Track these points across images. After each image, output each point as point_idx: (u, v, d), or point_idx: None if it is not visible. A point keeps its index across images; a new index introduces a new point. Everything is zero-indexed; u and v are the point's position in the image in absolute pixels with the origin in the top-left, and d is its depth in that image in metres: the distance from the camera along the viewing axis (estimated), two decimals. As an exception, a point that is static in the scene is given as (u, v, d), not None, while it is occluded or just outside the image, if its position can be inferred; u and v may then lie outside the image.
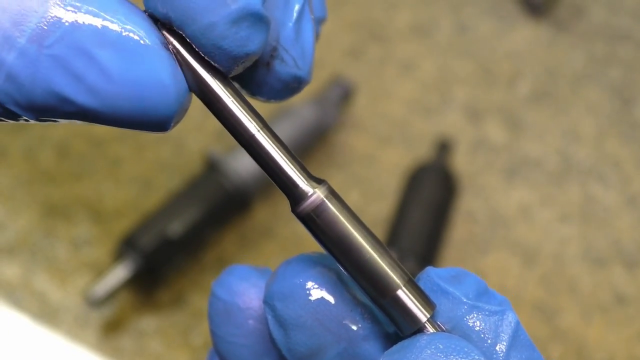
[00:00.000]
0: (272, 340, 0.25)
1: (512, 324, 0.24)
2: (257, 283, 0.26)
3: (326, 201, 0.23)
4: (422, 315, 0.24)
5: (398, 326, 0.24)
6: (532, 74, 0.78)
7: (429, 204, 0.64)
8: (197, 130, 0.70)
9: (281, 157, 0.24)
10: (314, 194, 0.23)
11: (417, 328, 0.24)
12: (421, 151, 0.71)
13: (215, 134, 0.70)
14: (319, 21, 0.28)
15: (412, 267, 0.60)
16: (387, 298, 0.24)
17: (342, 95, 0.71)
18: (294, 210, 0.24)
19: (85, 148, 0.68)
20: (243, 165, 0.64)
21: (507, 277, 0.66)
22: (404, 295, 0.24)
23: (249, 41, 0.23)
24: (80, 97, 0.22)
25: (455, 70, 0.78)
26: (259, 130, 0.24)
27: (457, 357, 0.22)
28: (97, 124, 0.23)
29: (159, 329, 0.60)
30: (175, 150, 0.69)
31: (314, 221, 0.23)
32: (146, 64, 0.22)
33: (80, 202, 0.65)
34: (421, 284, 0.25)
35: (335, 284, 0.25)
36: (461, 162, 0.71)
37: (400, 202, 0.65)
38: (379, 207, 0.68)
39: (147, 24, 0.22)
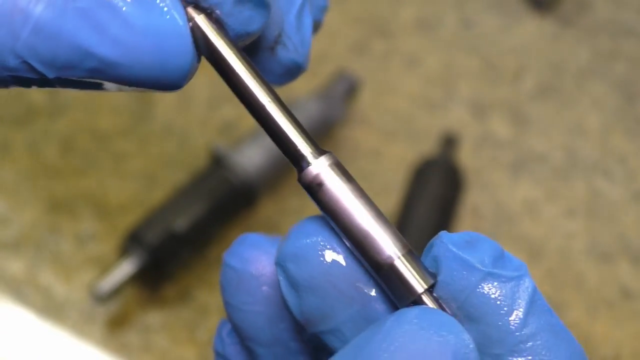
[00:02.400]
0: (284, 302, 0.25)
1: (529, 290, 0.24)
2: (268, 250, 0.26)
3: (330, 170, 0.24)
4: (419, 286, 0.24)
5: (396, 297, 0.24)
6: (537, 69, 0.78)
7: (434, 198, 0.64)
8: (202, 125, 0.70)
9: (290, 127, 0.25)
10: (319, 163, 0.24)
11: (413, 299, 0.24)
12: (426, 146, 0.71)
13: (221, 129, 0.70)
14: (322, 10, 0.29)
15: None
16: (385, 267, 0.24)
17: (347, 90, 0.71)
18: (299, 179, 0.24)
19: (90, 143, 0.68)
20: (249, 159, 0.64)
21: (512, 272, 0.65)
22: (402, 265, 0.24)
23: (251, 21, 0.25)
24: (103, 49, 0.23)
25: (460, 65, 0.78)
26: (270, 102, 0.25)
27: (433, 337, 0.22)
28: (114, 85, 0.24)
29: (165, 324, 0.60)
30: (181, 145, 0.69)
31: (318, 189, 0.24)
32: (165, 15, 0.23)
33: (85, 197, 0.65)
34: (434, 250, 0.24)
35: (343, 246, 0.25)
36: (466, 158, 0.71)
37: (406, 197, 0.65)
38: (385, 202, 0.68)
39: None
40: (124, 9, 0.23)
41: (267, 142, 0.66)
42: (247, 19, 0.25)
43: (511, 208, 0.69)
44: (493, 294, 0.23)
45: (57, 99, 0.71)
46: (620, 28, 0.81)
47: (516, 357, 0.23)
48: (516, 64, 0.78)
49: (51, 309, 0.60)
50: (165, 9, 0.23)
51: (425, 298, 0.24)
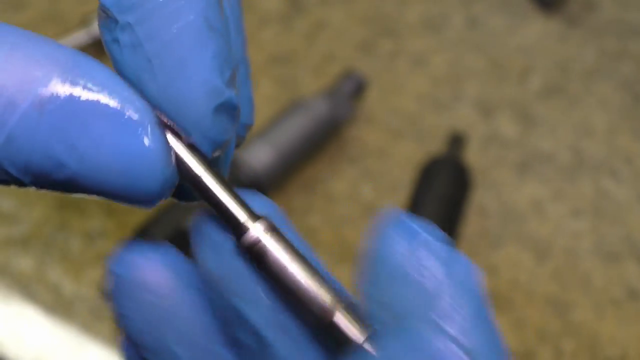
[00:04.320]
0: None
1: (466, 265, 0.25)
2: (152, 257, 0.26)
3: (265, 234, 0.25)
4: (359, 337, 0.25)
5: (339, 345, 0.25)
6: (543, 68, 0.78)
7: (442, 198, 0.64)
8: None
9: (225, 195, 0.25)
10: (253, 229, 0.25)
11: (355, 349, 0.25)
12: (433, 145, 0.71)
13: (228, 128, 0.70)
14: (246, 127, 0.30)
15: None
16: (326, 322, 0.25)
17: (354, 89, 0.71)
18: (238, 245, 0.26)
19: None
20: (256, 158, 0.64)
21: (519, 271, 0.66)
22: (341, 318, 0.25)
23: (228, 129, 0.26)
24: (73, 164, 0.24)
25: (467, 65, 0.78)
26: (205, 172, 0.26)
27: None
28: (85, 195, 0.25)
29: (173, 321, 0.60)
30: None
31: (253, 254, 0.25)
32: (137, 139, 0.24)
33: (93, 194, 0.65)
34: (385, 223, 0.25)
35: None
36: (473, 157, 0.71)
37: (413, 196, 0.65)
38: (392, 201, 0.68)
39: (143, 104, 0.24)
40: (94, 126, 0.23)
41: (273, 140, 0.66)
42: (225, 128, 0.26)
43: (517, 207, 0.69)
44: (433, 263, 0.25)
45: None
46: (627, 28, 0.82)
47: (441, 323, 0.24)
48: (523, 63, 0.79)
49: (60, 305, 0.60)
50: (139, 130, 0.24)
51: (366, 346, 0.24)
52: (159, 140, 0.24)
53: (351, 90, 0.71)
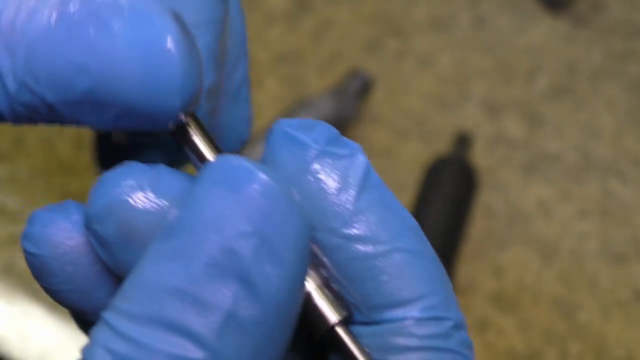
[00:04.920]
0: (103, 260, 0.25)
1: (362, 166, 0.24)
2: (61, 225, 0.25)
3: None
4: (333, 316, 0.24)
5: (314, 330, 0.25)
6: (550, 69, 0.78)
7: (448, 198, 0.64)
8: (215, 123, 0.70)
9: (212, 156, 0.25)
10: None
11: (327, 329, 0.24)
12: (439, 146, 0.71)
13: (234, 127, 0.70)
14: (240, 142, 0.31)
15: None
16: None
17: (360, 88, 0.71)
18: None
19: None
20: (260, 158, 0.64)
21: (526, 272, 0.65)
22: (318, 297, 0.24)
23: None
24: (92, 63, 0.23)
25: (473, 64, 0.78)
26: (205, 148, 0.26)
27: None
28: (103, 119, 0.24)
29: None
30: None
31: None
32: (157, 37, 0.23)
33: (98, 193, 0.65)
34: (271, 136, 0.25)
35: (150, 188, 0.24)
36: (479, 157, 0.71)
37: (419, 196, 0.65)
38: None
39: (161, 4, 0.24)
40: (110, 22, 0.23)
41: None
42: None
43: (524, 208, 0.69)
44: (327, 170, 0.24)
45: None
46: (634, 29, 0.81)
47: (350, 229, 0.24)
48: (530, 63, 0.78)
49: (64, 304, 0.60)
50: (159, 27, 0.23)
51: (339, 330, 0.24)
52: (180, 40, 0.23)
53: (357, 90, 0.71)
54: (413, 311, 0.23)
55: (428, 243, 0.25)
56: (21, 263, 0.62)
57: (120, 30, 0.23)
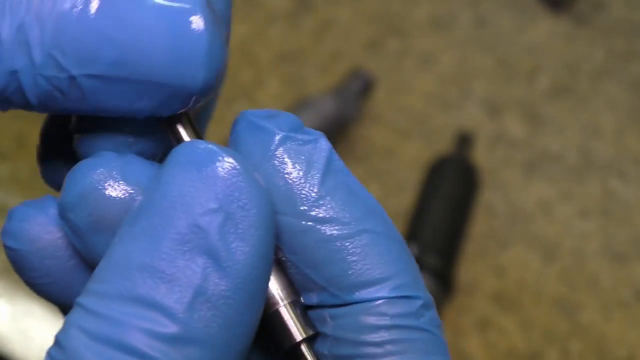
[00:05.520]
0: (75, 249, 0.25)
1: (326, 151, 0.25)
2: (38, 220, 0.26)
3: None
4: (298, 334, 0.24)
5: (277, 341, 0.25)
6: (551, 68, 0.78)
7: (449, 198, 0.64)
8: (216, 123, 0.70)
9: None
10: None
11: (291, 346, 0.24)
12: (440, 145, 0.71)
13: (235, 126, 0.70)
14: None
15: (433, 262, 0.60)
16: (270, 312, 0.25)
17: (362, 88, 0.71)
18: None
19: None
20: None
21: (527, 272, 0.65)
22: (286, 312, 0.25)
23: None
24: (118, 32, 0.23)
25: (475, 64, 0.78)
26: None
27: None
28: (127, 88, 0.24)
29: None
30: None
31: None
32: (183, 11, 0.23)
33: (100, 192, 0.65)
34: (237, 126, 0.25)
35: (120, 176, 0.25)
36: (480, 157, 0.71)
37: (421, 195, 0.65)
38: (399, 200, 0.68)
39: None
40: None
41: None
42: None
43: (525, 207, 0.69)
44: (291, 155, 0.24)
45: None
46: (635, 28, 0.81)
47: (316, 212, 0.24)
48: (531, 63, 0.78)
49: (66, 303, 0.60)
50: (187, 3, 0.23)
51: (303, 347, 0.24)
52: (207, 15, 0.24)
53: (358, 89, 0.71)
54: (383, 291, 0.24)
55: (393, 225, 0.25)
56: (23, 262, 0.62)
57: (149, 1, 0.23)
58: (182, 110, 0.25)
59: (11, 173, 0.66)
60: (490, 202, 0.69)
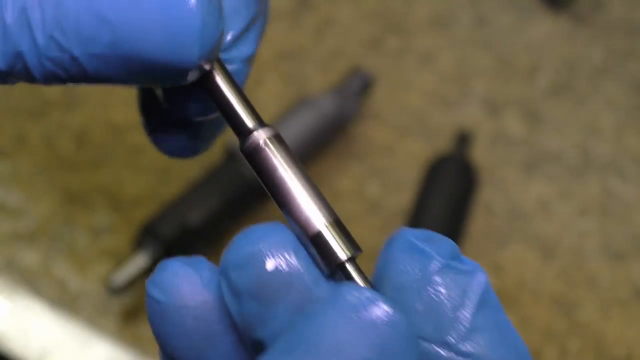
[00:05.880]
0: (228, 310, 0.25)
1: (482, 284, 0.24)
2: (191, 278, 0.26)
3: (267, 141, 0.26)
4: (342, 253, 0.25)
5: (323, 266, 0.25)
6: (551, 67, 0.78)
7: (448, 196, 0.64)
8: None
9: (236, 100, 0.27)
10: (258, 134, 0.26)
11: (336, 265, 0.25)
12: (440, 143, 0.71)
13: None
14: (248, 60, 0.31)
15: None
16: (311, 235, 0.25)
17: (361, 86, 0.71)
18: (240, 147, 0.26)
19: (105, 136, 0.69)
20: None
21: (525, 270, 0.65)
22: (328, 233, 0.25)
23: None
24: (115, 17, 0.24)
25: (474, 62, 0.78)
26: (221, 81, 0.27)
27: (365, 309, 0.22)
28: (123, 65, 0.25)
29: (178, 317, 0.60)
30: (195, 139, 0.69)
31: (254, 158, 0.26)
32: None
33: (99, 190, 0.65)
34: (394, 243, 0.25)
35: (292, 250, 0.25)
36: (480, 155, 0.71)
37: (420, 193, 0.65)
38: (398, 199, 0.68)
39: None
40: None
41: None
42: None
43: (524, 206, 0.69)
44: (448, 284, 0.24)
45: (72, 92, 0.71)
46: (635, 27, 0.81)
47: (463, 345, 0.24)
48: (530, 61, 0.78)
49: (65, 300, 0.60)
50: None
51: (349, 267, 0.25)
52: None
53: (358, 87, 0.71)
54: None
55: None
56: (22, 259, 0.62)
57: None
58: (211, 63, 0.26)
59: (11, 170, 0.66)
60: (489, 200, 0.69)
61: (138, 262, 0.59)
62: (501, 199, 0.69)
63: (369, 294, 0.23)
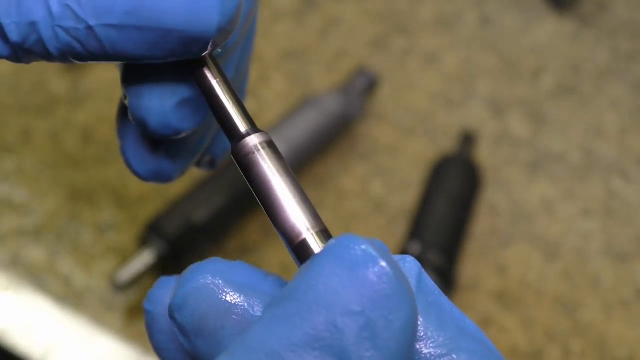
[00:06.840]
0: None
1: (415, 270, 0.24)
2: (173, 287, 0.27)
3: (259, 147, 0.26)
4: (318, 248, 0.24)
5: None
6: (555, 68, 0.78)
7: (452, 196, 0.64)
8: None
9: (230, 103, 0.27)
10: (250, 139, 0.26)
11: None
12: (444, 143, 0.71)
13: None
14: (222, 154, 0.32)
15: (435, 259, 0.60)
16: (295, 242, 0.25)
17: (366, 86, 0.71)
18: (231, 152, 0.26)
19: (110, 133, 0.69)
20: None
21: (528, 271, 0.66)
22: (312, 240, 0.25)
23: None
24: None
25: (479, 63, 0.78)
26: (218, 83, 0.27)
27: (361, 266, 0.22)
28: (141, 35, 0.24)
29: (182, 314, 0.61)
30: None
31: (244, 163, 0.26)
32: None
33: (105, 187, 0.66)
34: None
35: (222, 281, 0.25)
36: (484, 156, 0.71)
37: (424, 193, 0.65)
38: (402, 199, 0.68)
39: None
40: None
41: (285, 135, 0.66)
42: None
43: (528, 207, 0.69)
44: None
45: (78, 89, 0.71)
46: (639, 29, 0.81)
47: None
48: (535, 63, 0.78)
49: (71, 297, 0.60)
50: None
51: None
52: None
53: (363, 87, 0.71)
54: None
55: (492, 345, 0.24)
56: (27, 255, 0.62)
57: None
58: (205, 54, 0.25)
59: (17, 167, 0.66)
60: (493, 200, 0.69)
61: (143, 259, 0.59)
62: (505, 199, 0.69)
63: (366, 246, 0.22)
